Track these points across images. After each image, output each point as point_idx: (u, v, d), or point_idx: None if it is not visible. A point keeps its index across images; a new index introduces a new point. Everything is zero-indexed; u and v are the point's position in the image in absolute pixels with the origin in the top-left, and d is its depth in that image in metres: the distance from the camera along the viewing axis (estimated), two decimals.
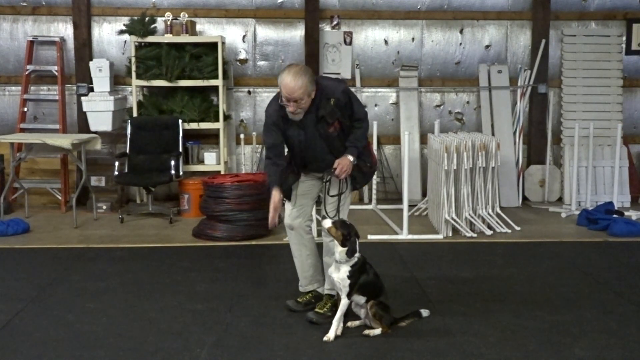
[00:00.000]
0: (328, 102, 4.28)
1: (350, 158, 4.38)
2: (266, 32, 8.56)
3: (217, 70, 7.93)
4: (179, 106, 7.98)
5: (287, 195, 4.60)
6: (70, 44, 8.36)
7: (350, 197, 4.66)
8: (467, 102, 8.79)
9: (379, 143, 8.45)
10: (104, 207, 7.85)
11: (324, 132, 4.34)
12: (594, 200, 8.08)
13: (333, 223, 4.21)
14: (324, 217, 4.34)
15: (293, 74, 4.17)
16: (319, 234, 5.41)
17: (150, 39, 7.96)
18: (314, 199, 4.66)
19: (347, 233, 4.18)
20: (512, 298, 4.98)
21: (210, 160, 8.10)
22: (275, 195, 4.40)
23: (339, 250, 4.18)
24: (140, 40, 7.93)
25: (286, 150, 4.59)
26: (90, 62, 8.11)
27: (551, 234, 6.96)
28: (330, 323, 4.20)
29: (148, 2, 8.43)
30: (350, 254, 4.16)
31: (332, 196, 4.48)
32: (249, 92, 8.65)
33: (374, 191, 8.19)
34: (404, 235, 6.75)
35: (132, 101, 8.05)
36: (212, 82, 7.97)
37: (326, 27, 8.54)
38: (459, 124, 8.78)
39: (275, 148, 4.46)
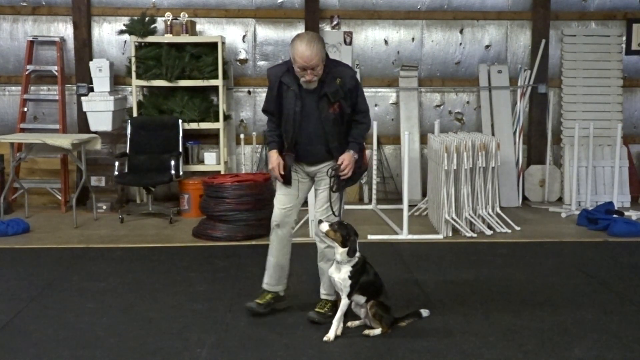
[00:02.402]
0: (334, 81, 4.28)
1: (354, 154, 4.38)
2: (266, 32, 8.56)
3: (217, 70, 7.93)
4: (179, 106, 7.98)
5: (287, 180, 4.50)
6: (70, 44, 8.36)
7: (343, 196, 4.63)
8: (467, 102, 8.79)
9: (379, 143, 8.44)
10: (104, 207, 7.85)
11: (324, 111, 4.31)
12: (594, 200, 8.08)
13: (330, 226, 4.20)
14: (320, 221, 4.28)
15: (307, 42, 4.16)
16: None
17: (150, 39, 7.96)
18: (303, 200, 4.62)
19: (346, 234, 4.18)
20: (512, 298, 4.98)
21: (210, 160, 8.10)
22: (273, 156, 4.45)
23: (340, 252, 4.18)
24: (140, 40, 7.93)
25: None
26: (90, 62, 8.11)
27: (551, 234, 6.96)
28: (331, 323, 4.21)
29: (148, 2, 8.43)
30: (351, 253, 4.17)
31: (334, 192, 4.43)
32: (249, 92, 8.65)
33: (374, 191, 8.19)
34: (404, 235, 6.75)
35: (132, 101, 8.05)
36: (212, 82, 7.96)
37: (326, 27, 8.54)
38: (459, 124, 8.78)
39: (271, 110, 4.50)
